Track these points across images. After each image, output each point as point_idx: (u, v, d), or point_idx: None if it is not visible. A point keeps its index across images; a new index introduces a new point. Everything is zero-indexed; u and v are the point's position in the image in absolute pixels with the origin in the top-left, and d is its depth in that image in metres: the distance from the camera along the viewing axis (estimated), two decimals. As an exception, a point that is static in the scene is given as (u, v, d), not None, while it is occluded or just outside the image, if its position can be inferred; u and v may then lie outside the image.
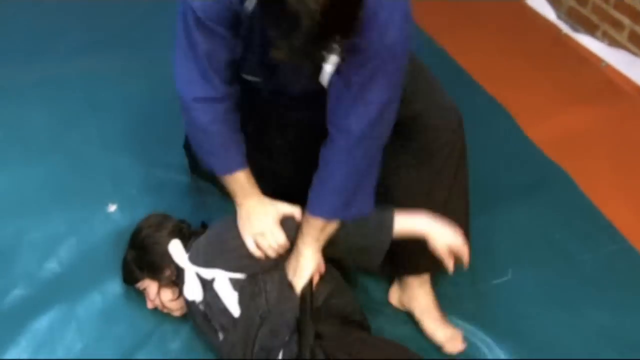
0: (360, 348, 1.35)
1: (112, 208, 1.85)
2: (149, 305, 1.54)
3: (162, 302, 1.51)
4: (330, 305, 1.44)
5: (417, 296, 1.63)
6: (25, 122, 2.14)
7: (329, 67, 1.16)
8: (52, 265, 1.68)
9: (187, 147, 1.80)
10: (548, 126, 2.32)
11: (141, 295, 1.56)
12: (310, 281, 1.41)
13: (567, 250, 1.85)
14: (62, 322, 1.56)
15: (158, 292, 1.50)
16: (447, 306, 1.65)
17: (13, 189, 1.88)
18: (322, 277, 1.46)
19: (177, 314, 1.54)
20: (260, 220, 1.40)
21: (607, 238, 1.89)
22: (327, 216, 1.37)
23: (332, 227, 1.40)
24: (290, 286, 1.41)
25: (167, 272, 1.48)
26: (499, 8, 3.01)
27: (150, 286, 1.51)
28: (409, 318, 1.65)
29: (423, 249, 1.42)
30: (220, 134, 1.36)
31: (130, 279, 1.54)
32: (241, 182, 1.41)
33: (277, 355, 1.34)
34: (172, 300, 1.50)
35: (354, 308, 1.50)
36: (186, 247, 1.48)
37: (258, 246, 1.40)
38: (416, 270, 1.61)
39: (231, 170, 1.41)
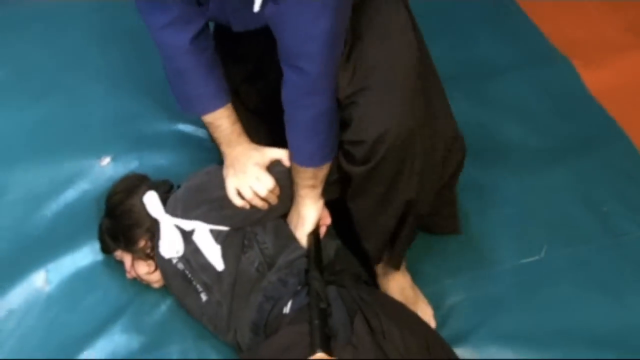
0: (380, 303, 1.22)
1: (105, 161, 1.69)
2: (128, 276, 1.42)
3: (138, 275, 1.39)
4: (341, 260, 1.35)
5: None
6: (26, 59, 1.95)
7: None
8: (33, 224, 1.55)
9: None
10: (609, 71, 2.02)
11: (121, 263, 1.43)
12: (317, 231, 1.33)
13: (616, 225, 1.60)
14: (34, 289, 1.44)
15: (132, 265, 1.38)
16: (461, 290, 1.46)
17: (2, 135, 1.73)
18: (328, 231, 1.37)
19: (156, 285, 1.42)
20: (245, 168, 1.31)
21: (665, 215, 1.62)
22: (311, 165, 1.26)
23: (324, 170, 1.28)
24: (290, 237, 1.34)
25: (141, 244, 1.36)
26: None
27: (124, 258, 1.40)
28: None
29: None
30: (194, 67, 1.26)
31: (105, 249, 1.43)
32: (224, 129, 1.31)
33: (286, 304, 1.23)
34: (148, 273, 1.38)
35: (360, 269, 1.38)
36: (164, 203, 1.36)
37: (241, 196, 1.30)
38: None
39: (210, 107, 1.30)
